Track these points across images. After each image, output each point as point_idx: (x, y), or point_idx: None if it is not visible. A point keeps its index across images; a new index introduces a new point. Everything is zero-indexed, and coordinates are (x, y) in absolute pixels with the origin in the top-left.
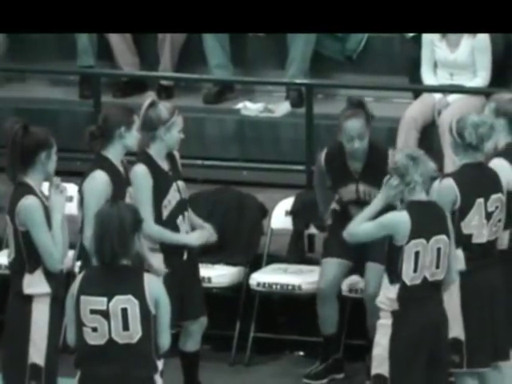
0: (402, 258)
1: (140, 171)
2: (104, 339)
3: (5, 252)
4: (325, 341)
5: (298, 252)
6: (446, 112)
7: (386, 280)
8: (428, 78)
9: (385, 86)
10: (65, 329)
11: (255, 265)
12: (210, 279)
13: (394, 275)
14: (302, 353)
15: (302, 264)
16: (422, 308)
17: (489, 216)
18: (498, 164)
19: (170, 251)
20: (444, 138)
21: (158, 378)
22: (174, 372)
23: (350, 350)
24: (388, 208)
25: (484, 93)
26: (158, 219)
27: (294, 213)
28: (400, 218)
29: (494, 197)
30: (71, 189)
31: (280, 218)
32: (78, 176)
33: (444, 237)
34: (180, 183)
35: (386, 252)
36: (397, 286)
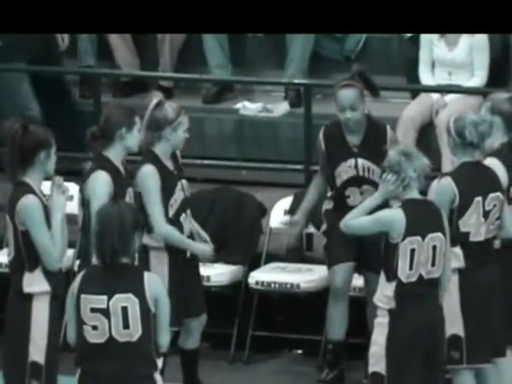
0: (398, 256)
1: (149, 171)
2: (104, 337)
3: (5, 251)
4: (333, 348)
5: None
6: (444, 112)
7: (383, 278)
8: (426, 78)
9: (383, 86)
10: (65, 327)
11: (254, 263)
12: (209, 278)
13: (391, 273)
14: (300, 351)
15: (300, 263)
16: (418, 306)
17: (486, 214)
18: (491, 163)
19: (175, 249)
20: (442, 137)
21: (157, 376)
22: (173, 370)
23: (349, 348)
24: (383, 205)
25: (481, 93)
26: (165, 217)
27: (292, 212)
28: (395, 216)
29: (492, 195)
30: (72, 188)
31: (279, 217)
32: (78, 176)
33: (440, 234)
34: (183, 182)
35: (383, 250)
36: (393, 284)
